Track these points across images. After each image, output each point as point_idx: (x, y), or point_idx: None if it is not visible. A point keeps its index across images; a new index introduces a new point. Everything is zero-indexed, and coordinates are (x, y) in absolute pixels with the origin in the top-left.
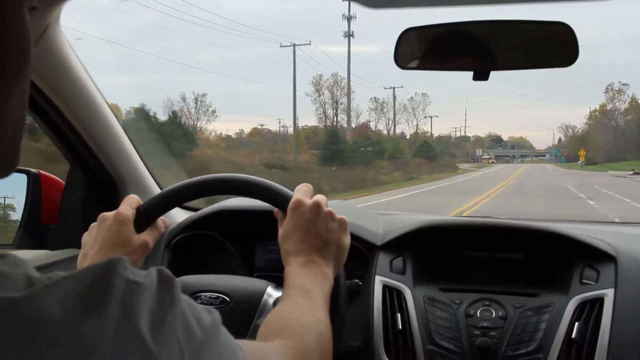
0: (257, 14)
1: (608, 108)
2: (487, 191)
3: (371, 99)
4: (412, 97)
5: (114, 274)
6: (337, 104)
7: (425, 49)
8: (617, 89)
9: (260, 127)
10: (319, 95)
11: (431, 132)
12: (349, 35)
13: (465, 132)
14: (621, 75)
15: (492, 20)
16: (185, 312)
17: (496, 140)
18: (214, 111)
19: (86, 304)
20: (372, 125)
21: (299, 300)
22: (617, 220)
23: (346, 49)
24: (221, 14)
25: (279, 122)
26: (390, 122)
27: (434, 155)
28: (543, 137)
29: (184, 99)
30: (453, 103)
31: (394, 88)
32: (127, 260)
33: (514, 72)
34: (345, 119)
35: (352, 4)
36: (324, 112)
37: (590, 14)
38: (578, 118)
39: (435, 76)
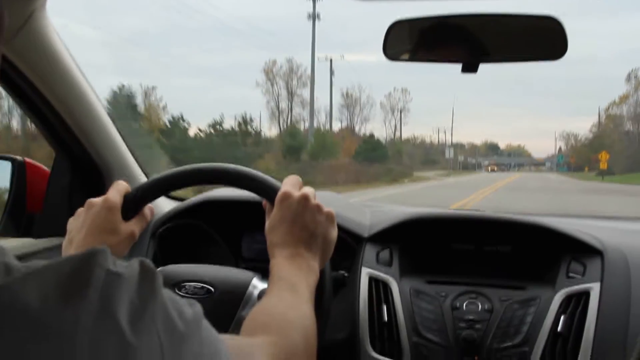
0: (247, 17)
1: (620, 115)
2: None
3: (342, 94)
4: (390, 93)
5: (95, 264)
6: (292, 95)
7: (414, 41)
8: None
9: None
10: (272, 85)
11: (400, 130)
12: (313, 17)
13: (452, 134)
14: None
15: (481, 13)
16: (166, 305)
17: (492, 148)
18: (164, 107)
19: (65, 293)
20: (339, 125)
21: (285, 295)
22: (605, 214)
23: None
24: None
25: (234, 120)
26: (358, 118)
27: (381, 156)
28: (542, 146)
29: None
30: (446, 107)
31: (331, 60)
32: (108, 251)
33: (514, 80)
34: (302, 113)
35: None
36: (277, 106)
37: (595, 27)
38: (579, 130)
39: (430, 79)
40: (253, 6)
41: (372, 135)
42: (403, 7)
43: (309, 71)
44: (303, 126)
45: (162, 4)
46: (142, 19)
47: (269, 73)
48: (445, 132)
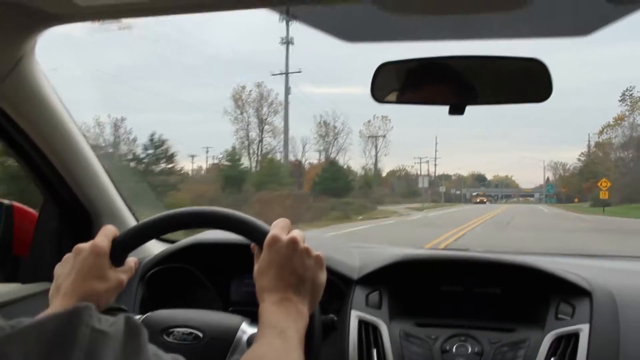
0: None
1: (611, 142)
2: None
3: (319, 122)
4: (369, 121)
5: (80, 322)
6: (262, 123)
7: (401, 83)
8: None
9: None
10: (241, 113)
11: (375, 159)
12: (287, 41)
13: (435, 164)
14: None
15: (468, 55)
16: None
17: (479, 179)
18: (134, 139)
19: (50, 353)
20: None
21: (274, 342)
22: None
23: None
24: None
25: (206, 152)
26: (331, 147)
27: (343, 187)
28: (530, 177)
29: (99, 124)
30: (431, 139)
31: (287, 74)
32: (94, 308)
33: (499, 114)
34: (272, 143)
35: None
36: (247, 135)
37: (576, 57)
38: (567, 160)
39: (414, 111)
40: (245, 40)
41: (333, 163)
42: (390, 47)
43: (280, 97)
44: (275, 156)
45: (151, 39)
46: (129, 55)
47: (238, 100)
48: (428, 162)
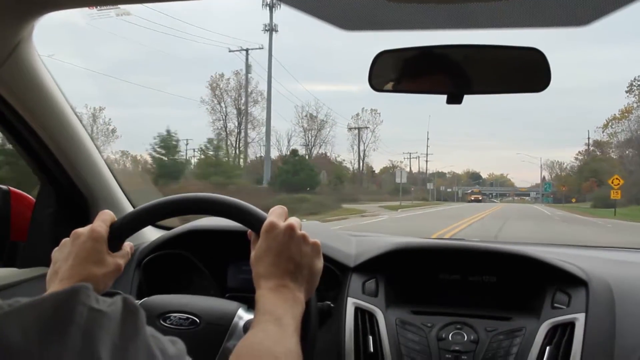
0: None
1: (614, 135)
2: None
3: (305, 115)
4: (358, 114)
5: (77, 301)
6: (242, 115)
7: (399, 72)
8: None
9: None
10: (219, 103)
11: (359, 153)
12: (271, 28)
13: (427, 160)
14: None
15: (466, 44)
16: (149, 343)
17: (474, 177)
18: (113, 130)
19: (47, 331)
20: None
21: (270, 329)
22: (589, 244)
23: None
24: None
25: (186, 143)
26: (314, 140)
27: (306, 181)
28: (526, 176)
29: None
30: (424, 136)
31: (247, 50)
32: (91, 288)
33: (496, 113)
34: (250, 134)
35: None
36: (225, 126)
37: (575, 56)
38: (564, 159)
39: (406, 109)
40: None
41: (295, 152)
42: (387, 37)
43: (260, 87)
44: (259, 150)
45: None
46: (126, 48)
47: (216, 88)
48: (418, 158)
